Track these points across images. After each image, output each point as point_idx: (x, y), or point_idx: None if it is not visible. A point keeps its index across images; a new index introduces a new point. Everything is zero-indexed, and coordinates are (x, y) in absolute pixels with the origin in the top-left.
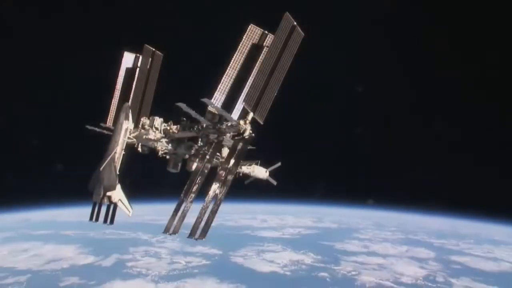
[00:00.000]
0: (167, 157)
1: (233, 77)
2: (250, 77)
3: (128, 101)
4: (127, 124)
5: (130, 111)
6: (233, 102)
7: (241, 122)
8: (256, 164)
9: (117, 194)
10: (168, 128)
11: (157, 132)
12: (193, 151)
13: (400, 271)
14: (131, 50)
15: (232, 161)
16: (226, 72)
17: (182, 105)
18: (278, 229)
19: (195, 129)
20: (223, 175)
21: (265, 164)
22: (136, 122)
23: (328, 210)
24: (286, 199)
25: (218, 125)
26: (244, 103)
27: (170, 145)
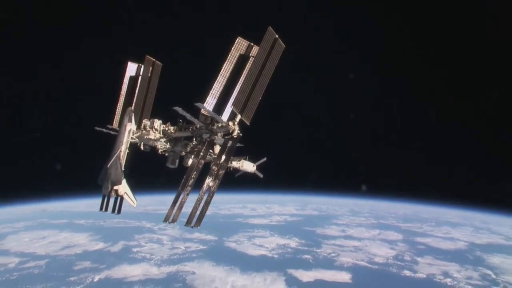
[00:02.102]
0: (166, 154)
1: (223, 83)
2: (238, 84)
3: (131, 105)
4: (131, 126)
5: (133, 114)
6: (223, 106)
7: (230, 123)
8: (245, 159)
9: (123, 187)
10: (167, 129)
11: (157, 132)
12: (188, 149)
13: (374, 252)
14: (134, 60)
15: (223, 157)
16: (217, 79)
17: (179, 109)
18: (266, 216)
19: (190, 129)
20: (216, 169)
21: (252, 159)
22: (139, 124)
23: (309, 198)
24: (272, 190)
25: (210, 126)
26: (232, 107)
27: (168, 144)
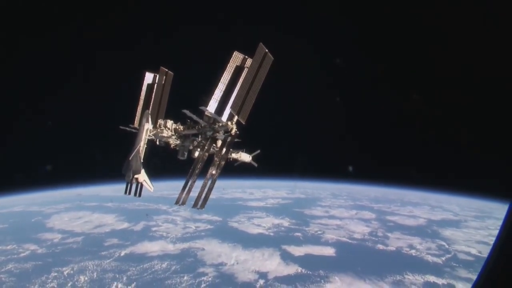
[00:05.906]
0: (177, 148)
1: (223, 90)
2: (235, 90)
3: (148, 108)
4: (148, 125)
5: (150, 115)
6: (223, 108)
7: (229, 122)
8: (242, 151)
9: (142, 176)
10: (177, 127)
11: (169, 131)
12: (195, 144)
13: (352, 229)
14: (150, 70)
15: (224, 150)
16: (218, 86)
17: (187, 111)
18: (262, 200)
19: (196, 128)
20: (218, 160)
21: (248, 151)
22: (154, 124)
23: (297, 184)
24: (266, 176)
25: (213, 125)
26: (231, 109)
27: (178, 140)
